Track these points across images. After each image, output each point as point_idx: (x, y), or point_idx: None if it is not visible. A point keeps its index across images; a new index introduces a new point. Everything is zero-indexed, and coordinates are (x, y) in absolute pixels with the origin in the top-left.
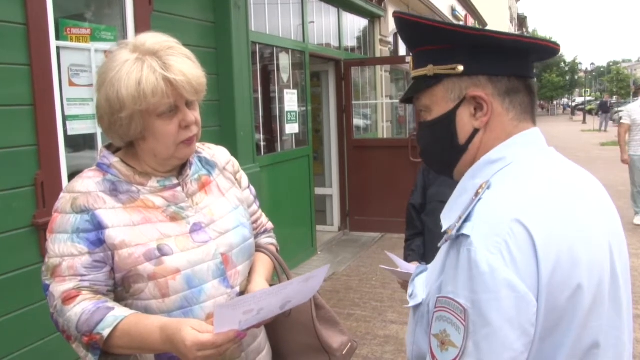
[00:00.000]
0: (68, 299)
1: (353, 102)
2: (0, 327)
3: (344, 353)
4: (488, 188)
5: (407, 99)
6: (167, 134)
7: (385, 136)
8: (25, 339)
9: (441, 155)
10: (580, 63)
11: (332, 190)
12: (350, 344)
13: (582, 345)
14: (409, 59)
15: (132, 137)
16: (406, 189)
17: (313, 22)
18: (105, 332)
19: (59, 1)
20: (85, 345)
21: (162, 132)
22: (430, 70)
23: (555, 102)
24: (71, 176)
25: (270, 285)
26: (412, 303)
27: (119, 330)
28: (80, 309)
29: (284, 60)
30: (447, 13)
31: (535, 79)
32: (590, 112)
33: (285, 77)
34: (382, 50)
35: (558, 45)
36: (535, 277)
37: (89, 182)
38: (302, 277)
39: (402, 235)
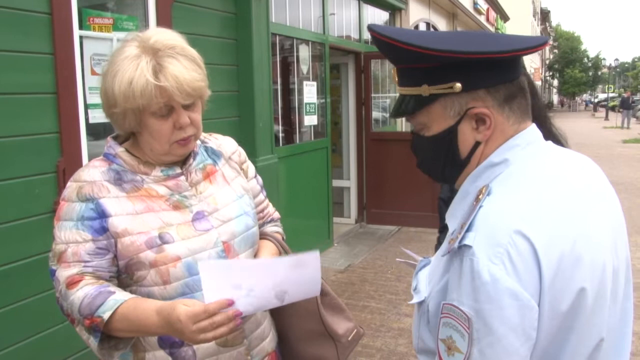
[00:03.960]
0: (72, 283)
1: (372, 95)
2: (22, 311)
3: (349, 339)
4: (488, 194)
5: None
6: (161, 133)
7: (404, 130)
8: (45, 322)
9: (442, 168)
10: (604, 58)
11: (349, 182)
12: (356, 330)
13: (588, 343)
14: (458, 84)
15: (128, 130)
16: (423, 183)
17: (334, 14)
18: (106, 315)
19: None
20: (87, 328)
21: (156, 131)
22: (425, 90)
23: (577, 98)
24: None
25: None
26: (415, 299)
27: (119, 313)
28: (83, 293)
29: (303, 52)
30: (468, 7)
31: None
32: (612, 108)
33: (304, 68)
34: None
35: (546, 43)
36: (537, 283)
37: (95, 172)
38: (291, 259)
39: (419, 229)
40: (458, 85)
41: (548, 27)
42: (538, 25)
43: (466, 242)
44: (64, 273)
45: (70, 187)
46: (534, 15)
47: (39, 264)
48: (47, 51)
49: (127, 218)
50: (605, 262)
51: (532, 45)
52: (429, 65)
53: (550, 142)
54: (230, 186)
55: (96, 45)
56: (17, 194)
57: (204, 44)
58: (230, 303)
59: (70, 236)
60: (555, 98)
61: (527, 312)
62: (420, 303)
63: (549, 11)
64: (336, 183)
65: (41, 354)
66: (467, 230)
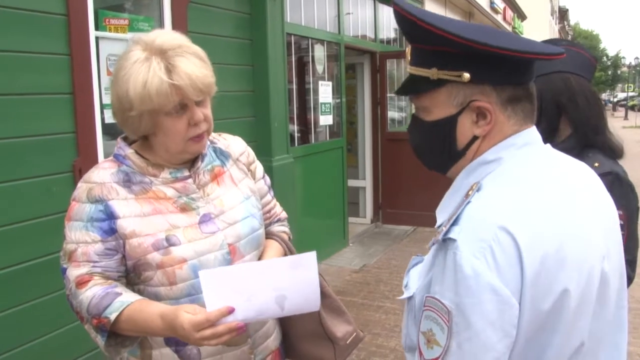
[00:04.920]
0: (81, 283)
1: (388, 95)
2: (39, 308)
3: (347, 342)
4: (478, 190)
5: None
6: (176, 131)
7: None
8: (62, 320)
9: (437, 156)
10: (624, 57)
11: (365, 182)
12: (355, 334)
13: (570, 345)
14: (467, 74)
15: (143, 132)
16: (439, 183)
17: (351, 13)
18: (112, 316)
19: None
20: (95, 327)
21: (172, 129)
22: (434, 74)
23: None
24: None
25: None
26: (405, 295)
27: (125, 315)
28: (92, 293)
29: (319, 52)
30: (485, 6)
31: (533, 82)
32: (632, 108)
33: (320, 68)
34: None
35: (561, 54)
36: (519, 280)
37: (104, 173)
38: (289, 258)
39: (434, 229)
40: (466, 75)
41: (566, 26)
42: (556, 23)
43: (451, 235)
44: (74, 272)
45: (81, 187)
46: (552, 14)
47: (55, 262)
48: (64, 52)
49: (135, 220)
50: (592, 266)
51: (548, 52)
52: (442, 50)
53: (549, 146)
54: (238, 188)
55: (112, 46)
56: (34, 193)
57: (219, 44)
58: (231, 310)
59: (80, 236)
60: None
61: (507, 309)
62: (409, 299)
63: (567, 9)
64: (352, 183)
65: (57, 351)
66: (453, 224)
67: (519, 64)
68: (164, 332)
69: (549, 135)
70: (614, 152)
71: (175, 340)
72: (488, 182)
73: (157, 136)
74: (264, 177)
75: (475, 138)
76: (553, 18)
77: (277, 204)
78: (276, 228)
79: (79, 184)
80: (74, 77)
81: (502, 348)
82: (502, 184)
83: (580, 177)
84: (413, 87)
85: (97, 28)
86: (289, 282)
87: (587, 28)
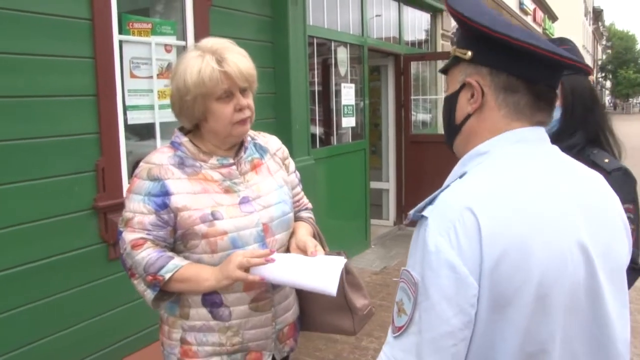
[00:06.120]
0: (136, 245)
1: (412, 97)
2: (59, 304)
3: (364, 313)
4: (460, 177)
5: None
6: (224, 114)
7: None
8: (81, 316)
9: (445, 129)
10: None
11: (388, 184)
12: (370, 307)
13: (537, 337)
14: (470, 53)
15: (197, 118)
16: None
17: (379, 15)
18: (167, 276)
19: None
20: (148, 283)
21: (220, 113)
22: (453, 51)
23: (631, 100)
24: (130, 163)
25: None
26: None
27: (177, 274)
28: (146, 253)
29: (342, 54)
30: (514, 7)
31: (557, 87)
32: None
33: (343, 71)
34: (443, 45)
35: (576, 62)
36: (478, 262)
37: (162, 156)
38: (325, 256)
39: None
40: (469, 53)
41: (601, 27)
42: (590, 24)
43: (424, 213)
44: (129, 236)
45: (142, 167)
46: (585, 15)
47: (78, 258)
48: (88, 55)
49: (187, 196)
50: (567, 264)
51: (550, 49)
52: (461, 31)
53: (556, 148)
54: (273, 177)
55: (135, 49)
56: (58, 191)
57: (240, 46)
58: (273, 252)
59: (137, 207)
60: (607, 100)
61: (464, 287)
62: None
63: (602, 10)
64: (375, 185)
65: (78, 345)
66: (429, 204)
67: (516, 56)
68: (212, 275)
69: (572, 134)
70: (612, 152)
71: (211, 301)
72: (473, 171)
73: (207, 122)
74: (295, 171)
75: (469, 116)
76: (587, 19)
77: (305, 195)
78: (304, 214)
79: (141, 164)
80: (98, 80)
81: (458, 324)
82: (484, 173)
83: (582, 180)
84: (446, 64)
85: (120, 32)
86: (314, 275)
87: (622, 29)
